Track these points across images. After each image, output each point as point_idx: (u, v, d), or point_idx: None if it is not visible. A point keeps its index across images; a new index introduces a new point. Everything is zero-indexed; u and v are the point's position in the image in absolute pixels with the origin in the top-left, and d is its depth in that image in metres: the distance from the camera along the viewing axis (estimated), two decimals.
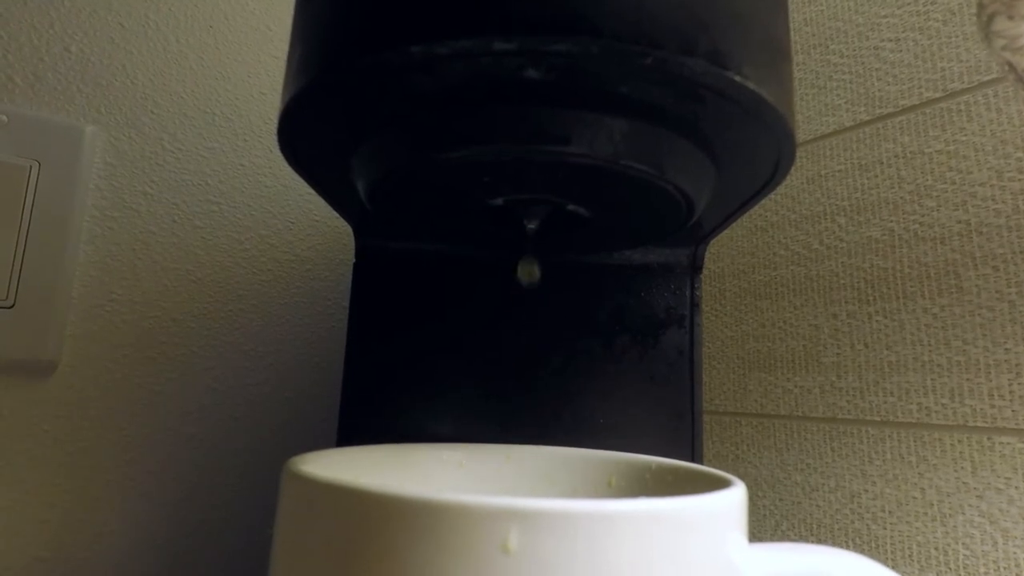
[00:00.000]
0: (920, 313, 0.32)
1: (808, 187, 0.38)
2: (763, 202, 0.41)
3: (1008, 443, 0.28)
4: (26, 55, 0.34)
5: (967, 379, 0.30)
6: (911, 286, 0.33)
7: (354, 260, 0.28)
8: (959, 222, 0.32)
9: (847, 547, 0.33)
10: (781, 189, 0.40)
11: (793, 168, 0.39)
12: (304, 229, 0.42)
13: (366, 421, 0.27)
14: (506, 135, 0.15)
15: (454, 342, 0.27)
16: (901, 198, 0.34)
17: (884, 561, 0.31)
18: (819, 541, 0.34)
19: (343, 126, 0.18)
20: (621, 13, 0.13)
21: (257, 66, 0.41)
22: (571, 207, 0.20)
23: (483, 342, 0.27)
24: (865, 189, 0.36)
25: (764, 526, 0.37)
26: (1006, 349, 0.29)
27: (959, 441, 0.30)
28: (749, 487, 0.38)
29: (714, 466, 0.40)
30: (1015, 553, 0.28)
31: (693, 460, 0.25)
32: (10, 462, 0.32)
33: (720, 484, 0.16)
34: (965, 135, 0.32)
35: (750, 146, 0.17)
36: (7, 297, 0.32)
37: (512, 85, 0.14)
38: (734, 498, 0.15)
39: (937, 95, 0.33)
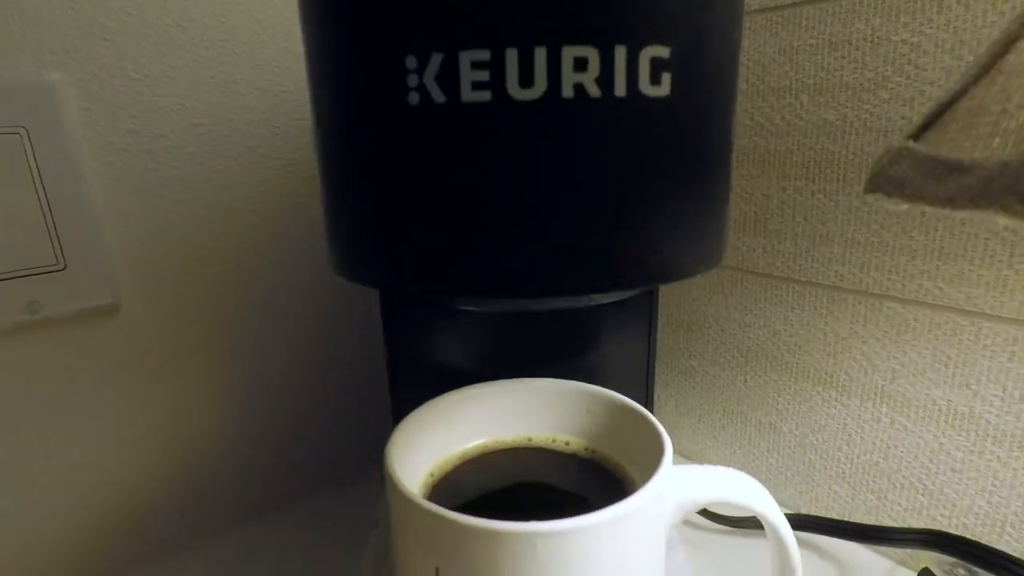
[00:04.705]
0: (853, 197, 0.37)
1: (779, 58, 0.39)
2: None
3: (892, 308, 0.37)
4: None
5: (875, 256, 0.37)
6: (851, 172, 0.37)
7: None
8: (903, 118, 0.35)
9: (765, 369, 0.44)
10: (753, 57, 0.40)
11: (768, 36, 0.39)
12: (291, 131, 0.43)
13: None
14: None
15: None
16: (860, 85, 0.36)
17: (788, 379, 0.43)
18: (747, 364, 0.45)
19: None
20: None
21: None
22: None
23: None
24: (831, 69, 0.37)
25: (706, 350, 0.48)
26: (911, 236, 0.35)
27: (859, 302, 0.38)
28: (700, 323, 0.48)
29: (673, 309, 0.49)
30: (877, 380, 0.38)
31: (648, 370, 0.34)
32: (99, 395, 0.39)
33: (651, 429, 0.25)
34: (931, 28, 0.33)
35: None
36: (57, 261, 0.37)
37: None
38: (639, 503, 0.23)
39: None
